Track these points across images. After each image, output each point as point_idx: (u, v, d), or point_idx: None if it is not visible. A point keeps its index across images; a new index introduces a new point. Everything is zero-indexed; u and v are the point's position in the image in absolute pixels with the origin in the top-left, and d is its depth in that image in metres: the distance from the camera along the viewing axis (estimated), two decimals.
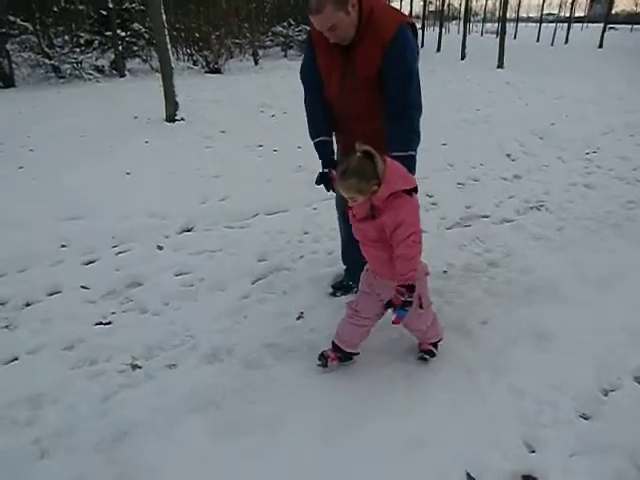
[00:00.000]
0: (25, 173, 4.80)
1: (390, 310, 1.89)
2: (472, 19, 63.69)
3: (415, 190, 1.76)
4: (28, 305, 2.57)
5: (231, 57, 15.94)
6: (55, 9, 13.69)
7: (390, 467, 1.62)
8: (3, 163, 5.14)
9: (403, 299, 1.74)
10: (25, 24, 12.28)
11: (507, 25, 15.94)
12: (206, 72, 14.17)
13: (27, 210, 3.63)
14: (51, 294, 2.67)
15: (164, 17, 6.58)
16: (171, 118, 6.89)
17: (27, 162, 5.19)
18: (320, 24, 1.85)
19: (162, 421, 1.82)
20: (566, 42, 27.39)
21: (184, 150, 5.45)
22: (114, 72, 13.31)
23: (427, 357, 2.12)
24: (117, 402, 1.91)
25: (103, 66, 13.10)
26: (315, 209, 3.84)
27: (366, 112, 2.06)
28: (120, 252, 3.12)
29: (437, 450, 1.67)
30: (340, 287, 2.67)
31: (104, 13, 13.10)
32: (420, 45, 20.75)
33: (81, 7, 14.57)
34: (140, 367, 2.11)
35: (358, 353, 2.09)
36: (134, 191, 4.09)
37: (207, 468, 1.64)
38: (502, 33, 13.51)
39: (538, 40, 29.64)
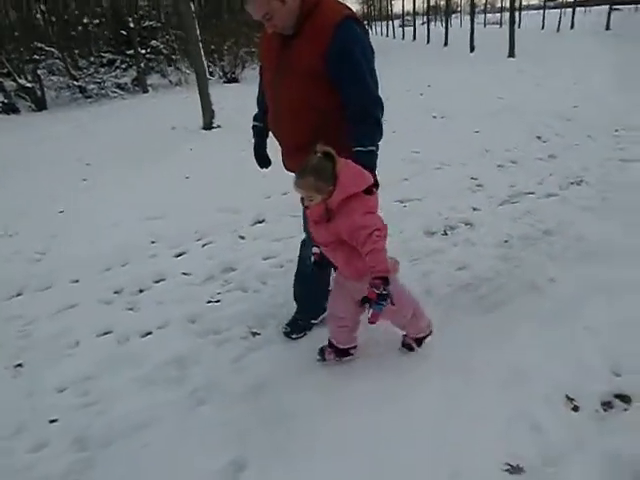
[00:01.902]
0: (91, 184, 5.18)
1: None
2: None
3: (374, 186, 1.77)
4: (141, 291, 2.91)
5: (243, 67, 16.34)
6: (73, 32, 14.24)
7: (500, 394, 1.90)
8: (67, 176, 5.54)
9: (378, 292, 1.68)
10: (51, 49, 12.84)
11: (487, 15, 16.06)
12: (224, 82, 14.57)
13: (114, 213, 4.00)
14: (157, 281, 3.01)
15: (198, 31, 6.93)
16: (208, 126, 7.26)
17: (87, 175, 5.59)
18: (253, 12, 1.80)
19: (293, 373, 2.13)
20: (572, 27, 27.38)
21: (229, 153, 5.76)
22: (136, 88, 13.78)
23: (407, 350, 2.15)
24: (249, 361, 2.22)
25: (126, 83, 13.57)
26: None
27: (297, 107, 1.93)
28: (205, 244, 3.45)
29: (539, 377, 1.95)
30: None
31: (124, 33, 13.58)
32: (427, 40, 20.89)
33: (96, 29, 15.13)
34: (259, 334, 2.42)
35: (355, 347, 2.14)
36: (199, 192, 4.44)
37: (340, 410, 1.91)
38: (512, 22, 13.73)
39: (543, 27, 29.63)
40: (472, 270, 2.87)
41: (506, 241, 3.17)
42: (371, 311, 1.72)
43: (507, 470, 1.59)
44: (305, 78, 1.88)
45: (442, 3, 44.22)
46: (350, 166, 1.73)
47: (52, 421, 1.97)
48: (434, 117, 6.99)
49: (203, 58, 7.20)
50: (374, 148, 1.90)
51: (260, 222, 3.78)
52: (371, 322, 1.73)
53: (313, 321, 2.40)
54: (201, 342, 2.37)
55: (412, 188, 4.26)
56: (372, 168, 1.86)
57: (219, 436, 1.81)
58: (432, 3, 45.89)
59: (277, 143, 2.15)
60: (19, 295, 3.02)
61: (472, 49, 16.98)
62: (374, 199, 1.79)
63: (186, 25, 6.96)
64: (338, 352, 2.12)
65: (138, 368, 2.21)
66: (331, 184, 1.68)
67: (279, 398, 2.01)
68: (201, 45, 7.05)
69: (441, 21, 26.84)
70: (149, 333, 2.49)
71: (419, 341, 2.16)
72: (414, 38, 27.72)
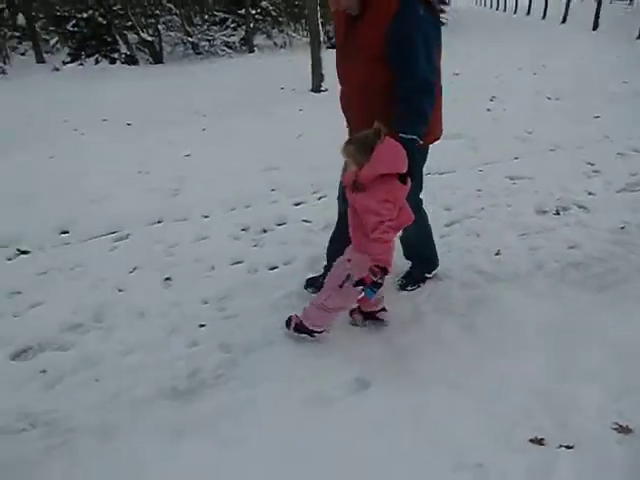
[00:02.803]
0: (211, 133, 5.62)
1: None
2: None
3: (404, 176, 1.82)
4: (265, 231, 3.23)
5: None
6: None
7: (612, 363, 1.98)
8: (188, 125, 6.03)
9: (374, 279, 1.78)
10: (170, 5, 13.58)
11: None
12: (328, 47, 14.64)
13: (235, 161, 4.37)
14: (279, 224, 3.31)
15: None
16: (317, 89, 7.47)
17: (206, 125, 6.04)
18: None
19: (406, 318, 2.33)
20: None
21: (339, 116, 5.97)
22: (243, 48, 14.25)
23: (288, 326, 2.16)
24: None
25: (234, 42, 14.06)
26: (481, 171, 4.16)
27: (361, 91, 1.98)
28: (321, 197, 3.70)
29: None
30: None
31: None
32: (542, 15, 19.20)
33: None
34: None
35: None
36: (311, 150, 4.68)
37: (447, 350, 2.10)
38: None
39: None
40: (583, 250, 2.87)
41: (622, 227, 3.11)
42: (362, 294, 1.84)
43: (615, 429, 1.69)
44: (369, 61, 1.90)
45: None
46: (390, 147, 1.76)
47: (201, 326, 2.33)
48: (548, 98, 6.68)
49: (319, 22, 7.35)
50: (415, 137, 1.88)
51: None
52: (361, 302, 1.91)
53: (427, 275, 2.57)
54: None
55: (523, 167, 4.21)
56: (412, 157, 1.84)
57: (346, 355, 2.06)
58: None
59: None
60: (159, 222, 3.46)
61: (595, 26, 15.60)
62: (404, 189, 1.84)
63: None
64: (365, 314, 2.27)
65: (269, 294, 2.52)
66: (366, 158, 1.75)
67: (393, 335, 2.22)
68: (319, 9, 7.19)
69: None
70: (275, 267, 2.80)
71: (300, 328, 2.13)
72: (528, 12, 25.77)
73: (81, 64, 12.19)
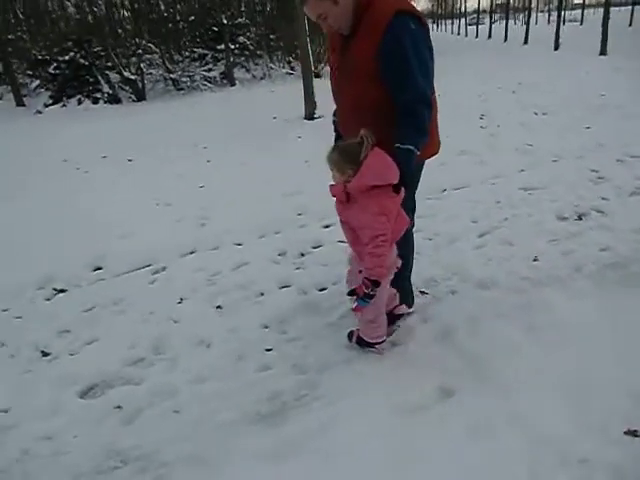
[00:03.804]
0: (217, 164, 5.67)
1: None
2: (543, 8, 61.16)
3: (396, 187, 1.83)
4: (303, 255, 3.26)
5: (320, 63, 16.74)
6: (164, 30, 15.14)
7: None
8: (191, 157, 6.08)
9: (366, 291, 1.85)
10: (151, 45, 13.78)
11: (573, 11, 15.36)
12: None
13: (255, 189, 4.42)
14: (315, 247, 3.35)
15: (307, 27, 7.31)
16: (311, 116, 7.64)
17: (209, 156, 6.09)
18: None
19: (473, 321, 2.38)
20: None
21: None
22: (224, 82, 14.50)
23: (350, 339, 2.23)
24: (432, 312, 2.49)
25: (215, 77, 14.30)
26: (494, 184, 4.31)
27: (356, 107, 2.00)
28: None
29: None
30: None
31: (215, 29, 14.32)
32: (504, 38, 20.22)
33: (188, 26, 15.99)
34: (427, 293, 2.68)
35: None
36: (324, 172, 4.76)
37: (522, 353, 2.16)
38: (606, 19, 13.20)
39: (630, 24, 27.95)
40: (615, 251, 2.99)
41: None
42: (355, 303, 1.94)
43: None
44: (361, 79, 1.91)
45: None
46: (378, 158, 1.76)
47: (268, 350, 2.32)
48: (535, 113, 7.00)
49: (310, 52, 7.58)
50: (412, 147, 1.86)
51: None
52: (354, 310, 1.97)
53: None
54: None
55: (532, 178, 4.38)
56: (405, 168, 1.85)
57: (423, 367, 2.09)
58: (501, 0, 44.66)
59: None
60: (192, 253, 3.45)
61: (557, 47, 16.45)
62: (397, 200, 1.85)
63: (297, 20, 7.36)
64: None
65: (326, 315, 2.54)
66: (352, 167, 1.76)
67: (462, 344, 2.25)
68: (308, 41, 7.43)
69: (506, 19, 25.87)
70: (324, 288, 2.82)
71: (361, 342, 2.19)
72: (489, 36, 27.07)
73: (64, 105, 12.18)
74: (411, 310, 2.48)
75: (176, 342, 2.45)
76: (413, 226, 2.35)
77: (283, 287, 2.87)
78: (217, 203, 4.27)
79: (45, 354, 2.46)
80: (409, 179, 1.93)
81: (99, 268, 3.31)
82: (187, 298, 2.85)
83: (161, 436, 1.87)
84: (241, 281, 2.96)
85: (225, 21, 13.43)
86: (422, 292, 2.70)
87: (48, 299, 3.01)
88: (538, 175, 4.44)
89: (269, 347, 2.33)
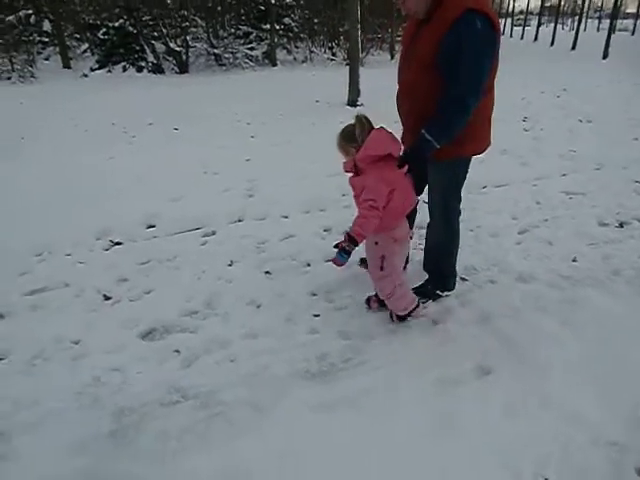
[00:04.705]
0: (261, 140, 5.81)
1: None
2: (593, 14, 59.40)
3: (398, 160, 2.05)
4: None
5: (367, 52, 16.69)
6: (210, 4, 15.26)
7: None
8: (236, 131, 6.23)
9: (343, 245, 2.05)
10: (196, 18, 13.92)
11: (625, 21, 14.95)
12: (347, 64, 14.98)
13: (300, 167, 4.55)
14: None
15: (359, 13, 7.35)
16: (353, 103, 7.71)
17: (253, 132, 6.24)
18: None
19: (508, 308, 2.49)
20: None
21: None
22: (266, 61, 14.59)
23: (392, 318, 2.37)
24: (470, 297, 2.61)
25: (257, 56, 14.40)
26: (535, 185, 4.36)
27: (412, 92, 2.13)
28: None
29: None
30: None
31: (262, 8, 14.38)
32: (551, 43, 19.75)
33: (232, 2, 16.09)
34: (467, 280, 2.79)
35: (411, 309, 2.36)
36: None
37: (555, 341, 2.26)
38: None
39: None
40: None
41: None
42: (335, 256, 2.09)
43: None
44: (421, 65, 2.02)
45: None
46: (380, 133, 2.03)
47: (315, 315, 2.47)
48: (580, 120, 6.95)
49: (359, 40, 7.62)
50: (431, 139, 2.01)
51: None
52: (331, 261, 2.11)
53: (439, 293, 2.60)
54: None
55: (574, 183, 4.41)
56: (419, 151, 2.06)
57: (463, 346, 2.21)
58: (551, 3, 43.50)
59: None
60: (240, 221, 3.61)
61: (605, 56, 16.09)
62: (399, 173, 2.05)
63: (349, 6, 7.40)
64: (380, 302, 2.43)
65: (371, 289, 2.65)
66: (353, 145, 2.03)
67: (502, 329, 2.36)
68: (359, 27, 7.46)
69: (555, 22, 25.21)
70: None
71: (399, 317, 2.35)
72: (535, 39, 26.49)
73: (109, 71, 12.44)
74: (449, 294, 2.61)
75: (228, 300, 2.61)
76: (460, 215, 2.49)
77: (329, 260, 2.99)
78: (264, 177, 4.41)
79: (107, 297, 2.65)
80: (416, 161, 2.10)
81: (152, 226, 3.49)
82: (237, 261, 3.01)
83: (218, 380, 2.03)
84: (289, 251, 3.11)
85: (273, 1, 13.46)
86: (462, 278, 2.80)
87: (106, 249, 3.20)
88: (580, 181, 4.46)
89: (317, 313, 2.48)
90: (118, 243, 3.27)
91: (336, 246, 2.14)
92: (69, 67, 13.42)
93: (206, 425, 1.83)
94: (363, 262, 2.20)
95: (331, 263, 2.13)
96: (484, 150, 2.33)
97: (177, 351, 2.22)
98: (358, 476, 1.62)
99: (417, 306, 2.36)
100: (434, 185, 2.40)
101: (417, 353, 2.19)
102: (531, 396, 1.94)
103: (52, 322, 2.43)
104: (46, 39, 14.20)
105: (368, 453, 1.69)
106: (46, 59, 14.66)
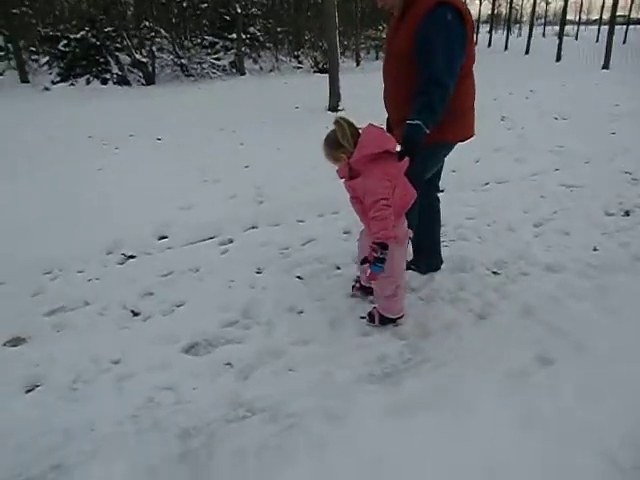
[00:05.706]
0: (249, 148, 5.71)
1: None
2: (535, 22, 62.35)
3: (396, 153, 1.99)
4: None
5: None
6: (171, 16, 14.99)
7: None
8: (221, 140, 6.11)
9: (375, 255, 1.93)
10: (160, 29, 13.65)
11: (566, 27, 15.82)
12: (315, 72, 15.06)
13: (302, 171, 4.49)
14: None
15: (337, 19, 7.38)
16: (334, 108, 7.71)
17: (240, 140, 6.13)
18: None
19: (553, 301, 2.50)
20: None
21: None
22: (233, 71, 14.46)
23: (365, 318, 2.32)
24: (509, 291, 2.60)
25: (224, 65, 14.25)
26: (534, 180, 4.46)
27: (395, 85, 2.24)
28: None
29: None
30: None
31: (227, 18, 14.27)
32: (504, 47, 20.59)
33: (196, 12, 15.88)
34: (499, 273, 2.79)
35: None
36: None
37: (604, 331, 2.28)
38: (610, 35, 13.60)
39: (625, 41, 28.69)
40: None
41: None
42: (369, 271, 2.00)
43: None
44: (398, 59, 2.15)
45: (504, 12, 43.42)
46: (370, 131, 1.96)
47: (362, 317, 2.39)
48: (555, 118, 7.20)
49: (337, 45, 7.65)
50: (419, 122, 2.02)
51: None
52: (370, 279, 2.04)
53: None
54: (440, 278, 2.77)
55: (570, 176, 4.53)
56: (411, 140, 2.04)
57: (518, 338, 2.20)
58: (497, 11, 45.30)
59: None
60: (254, 228, 3.50)
61: (559, 58, 16.85)
62: (400, 167, 1.98)
63: (326, 13, 7.42)
64: (364, 290, 2.47)
65: (417, 291, 2.62)
66: (341, 151, 1.94)
67: (549, 319, 2.36)
68: (338, 33, 7.49)
69: (508, 29, 26.37)
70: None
71: (383, 319, 2.27)
72: (489, 44, 27.55)
73: (72, 84, 11.98)
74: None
75: (266, 308, 2.50)
76: (439, 201, 2.63)
77: (368, 279, 2.93)
78: (269, 183, 4.32)
79: (135, 313, 2.50)
80: (412, 151, 2.06)
81: (164, 237, 3.34)
82: (265, 268, 2.91)
83: (282, 390, 1.93)
84: (314, 255, 3.03)
85: (239, 10, 13.38)
86: (494, 272, 2.81)
87: (121, 263, 3.03)
88: (574, 174, 4.59)
89: (362, 315, 2.41)
90: (132, 256, 3.10)
91: (364, 261, 2.05)
92: (27, 81, 12.84)
93: (282, 439, 1.72)
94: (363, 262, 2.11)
95: (370, 281, 2.08)
96: (466, 139, 2.37)
97: (229, 364, 2.10)
98: (463, 476, 1.56)
99: (402, 316, 2.30)
100: None
101: (475, 348, 2.16)
102: (599, 382, 1.94)
103: (83, 342, 2.26)
104: (1, 53, 13.55)
105: (467, 452, 1.64)
106: (0, 74, 13.99)
